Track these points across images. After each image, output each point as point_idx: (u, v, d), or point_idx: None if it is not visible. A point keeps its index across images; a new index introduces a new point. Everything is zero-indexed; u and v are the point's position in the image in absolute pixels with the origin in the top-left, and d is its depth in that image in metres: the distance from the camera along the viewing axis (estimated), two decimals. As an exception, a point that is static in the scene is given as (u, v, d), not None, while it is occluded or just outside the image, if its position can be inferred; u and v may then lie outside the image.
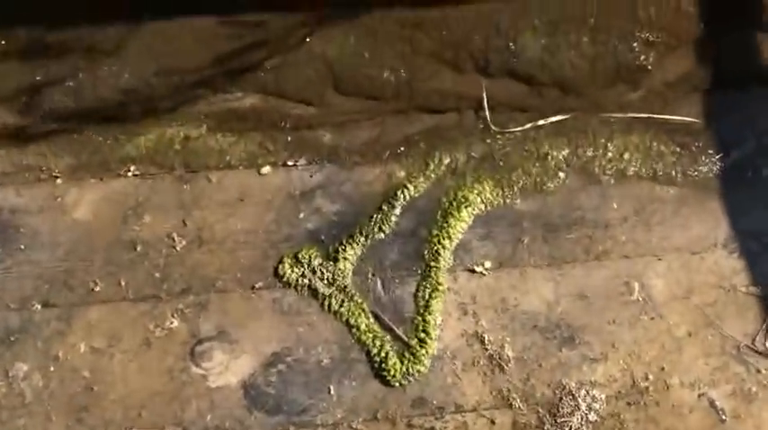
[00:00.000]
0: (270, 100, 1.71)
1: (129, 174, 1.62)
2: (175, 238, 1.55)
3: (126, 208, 1.58)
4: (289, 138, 1.67)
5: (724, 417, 1.44)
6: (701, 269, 1.55)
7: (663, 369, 1.47)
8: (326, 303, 1.49)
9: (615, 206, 1.61)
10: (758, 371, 1.47)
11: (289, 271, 1.51)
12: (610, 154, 1.66)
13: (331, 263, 1.52)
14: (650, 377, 1.46)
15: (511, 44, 1.77)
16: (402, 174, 1.64)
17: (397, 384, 1.43)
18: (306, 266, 1.51)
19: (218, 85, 1.70)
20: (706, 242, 1.58)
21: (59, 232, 1.56)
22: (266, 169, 1.61)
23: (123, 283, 1.52)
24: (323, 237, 1.57)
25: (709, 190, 1.64)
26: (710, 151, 1.67)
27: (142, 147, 1.65)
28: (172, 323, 1.48)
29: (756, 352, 1.49)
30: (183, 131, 1.66)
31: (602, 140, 1.67)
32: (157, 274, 1.52)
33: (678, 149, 1.67)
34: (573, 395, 1.44)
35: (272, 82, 1.71)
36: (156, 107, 1.66)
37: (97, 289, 1.51)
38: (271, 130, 1.67)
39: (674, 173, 1.65)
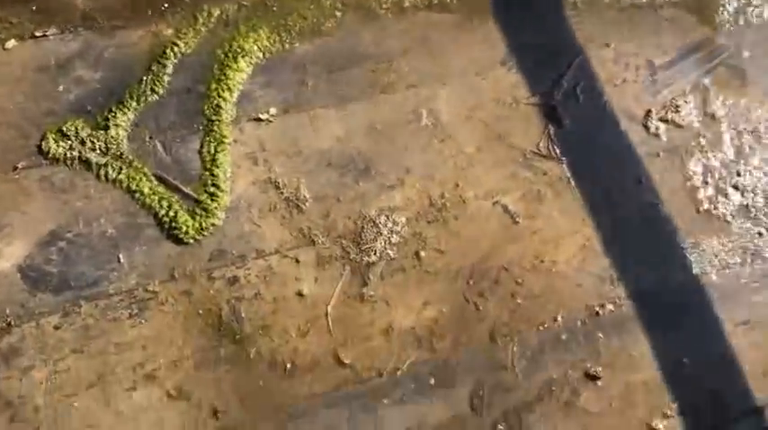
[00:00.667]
0: (5, -30, 1.52)
1: None
2: None
3: None
4: (33, 8, 1.50)
5: (518, 219, 1.49)
6: (483, 88, 1.58)
7: (457, 185, 1.50)
8: (102, 173, 1.38)
9: (395, 39, 1.59)
10: (544, 173, 1.53)
11: (54, 146, 1.38)
12: (384, -12, 1.63)
13: (102, 131, 1.40)
14: (446, 194, 1.49)
15: None
16: (169, 31, 1.53)
17: (192, 241, 1.37)
18: (73, 139, 1.39)
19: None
20: (485, 63, 1.61)
21: None
22: (11, 43, 1.45)
23: None
24: (89, 107, 1.44)
25: (483, 12, 1.65)
26: (481, -24, 1.67)
27: None
28: (-76, 220, 1.32)
29: (541, 156, 1.55)
30: None
31: (375, -25, 1.63)
32: None
33: (445, -23, 1.66)
34: (374, 222, 1.44)
35: (5, -51, 1.52)
36: None
37: None
38: (10, 2, 1.49)
39: (448, 0, 1.65)
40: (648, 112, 1.63)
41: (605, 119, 1.62)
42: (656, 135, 1.62)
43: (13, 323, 1.27)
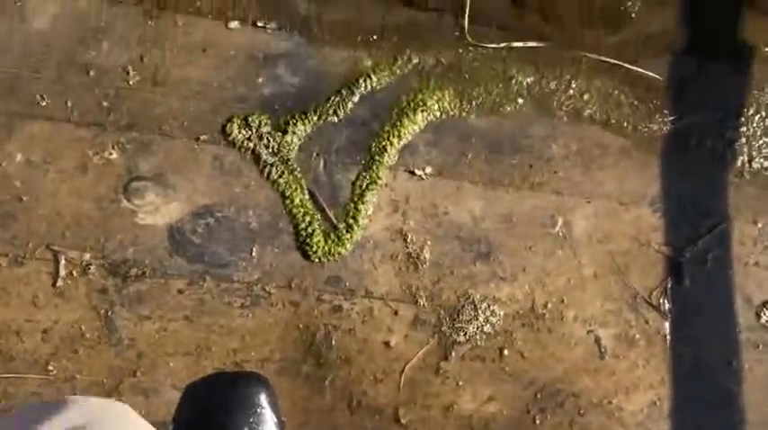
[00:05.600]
0: (254, -47, 1.66)
1: (97, -5, 1.58)
2: (130, 72, 1.54)
3: (86, 29, 1.55)
4: (265, -1, 1.64)
5: (605, 354, 1.56)
6: (623, 219, 1.64)
7: (563, 301, 1.58)
8: (267, 171, 1.52)
9: (562, 142, 1.66)
10: (646, 321, 1.59)
11: (236, 131, 1.52)
12: (571, 91, 1.69)
13: (279, 134, 1.54)
14: (549, 306, 1.57)
15: (508, -43, 1.74)
16: (369, 63, 1.64)
17: (317, 260, 1.50)
18: (254, 131, 1.53)
19: (204, -75, 1.64)
20: (635, 196, 1.66)
21: (14, 38, 1.53)
22: (234, 24, 1.59)
23: (70, 104, 1.51)
24: (276, 107, 1.58)
25: (652, 148, 1.70)
26: (666, 111, 1.72)
27: (114, -29, 1.60)
28: (111, 154, 1.49)
29: (650, 304, 1.61)
30: (159, -35, 1.61)
31: (568, 77, 1.70)
32: (105, 103, 1.52)
33: (636, 102, 1.71)
34: (475, 306, 1.54)
35: (261, -66, 1.65)
36: (135, -67, 1.60)
37: (43, 104, 1.51)
38: (250, -15, 1.63)
39: (625, 124, 1.70)
40: (766, 303, 1.66)
41: (722, 293, 1.65)
42: (765, 327, 1.65)
43: (147, 274, 1.43)
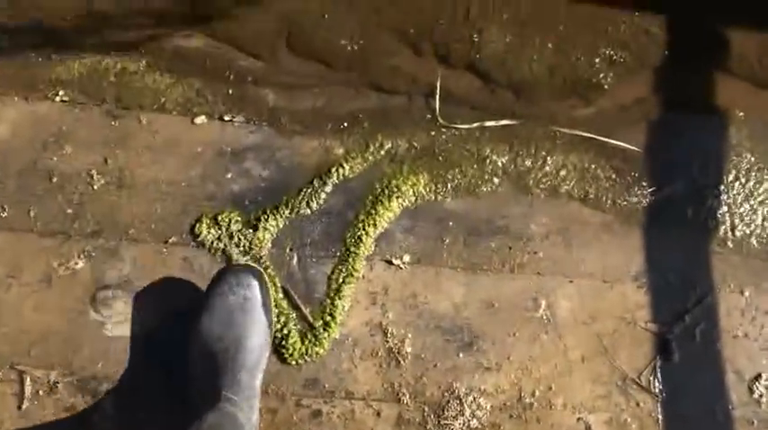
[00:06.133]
0: (218, 45, 1.63)
1: (57, 98, 1.54)
2: (94, 176, 1.50)
3: (48, 134, 1.52)
4: (230, 91, 1.61)
5: (595, 443, 1.51)
6: (607, 298, 1.60)
7: (550, 388, 1.53)
8: (238, 271, 1.47)
9: (540, 221, 1.63)
10: (637, 404, 1.55)
11: (205, 231, 1.48)
12: (547, 168, 1.67)
13: (250, 231, 1.50)
14: (537, 394, 1.52)
15: (475, 36, 1.73)
16: (340, 151, 1.61)
17: (294, 363, 1.45)
18: (224, 230, 1.49)
19: (166, 18, 1.61)
20: (618, 272, 1.62)
21: (-28, 146, 1.49)
22: (201, 119, 1.56)
23: (33, 214, 1.47)
24: (247, 202, 1.54)
25: (633, 221, 1.67)
26: (644, 183, 1.69)
27: (75, 72, 1.56)
28: (77, 264, 1.44)
29: (640, 386, 1.56)
30: (120, 63, 1.58)
31: (543, 153, 1.67)
32: (70, 211, 1.48)
33: (614, 176, 1.69)
34: (460, 400, 1.49)
35: (224, 26, 1.63)
36: (96, 32, 1.57)
37: (4, 214, 1.46)
38: (212, 79, 1.60)
39: (604, 198, 1.67)
40: (758, 377, 1.61)
41: (713, 368, 1.61)
42: (758, 402, 1.60)
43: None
